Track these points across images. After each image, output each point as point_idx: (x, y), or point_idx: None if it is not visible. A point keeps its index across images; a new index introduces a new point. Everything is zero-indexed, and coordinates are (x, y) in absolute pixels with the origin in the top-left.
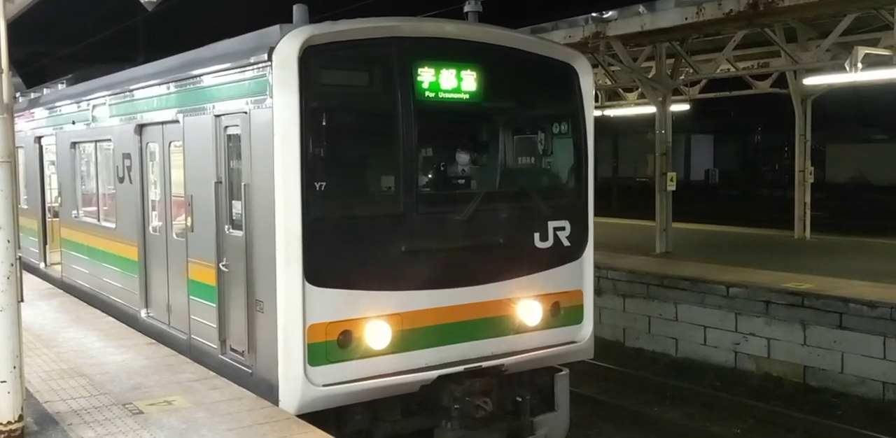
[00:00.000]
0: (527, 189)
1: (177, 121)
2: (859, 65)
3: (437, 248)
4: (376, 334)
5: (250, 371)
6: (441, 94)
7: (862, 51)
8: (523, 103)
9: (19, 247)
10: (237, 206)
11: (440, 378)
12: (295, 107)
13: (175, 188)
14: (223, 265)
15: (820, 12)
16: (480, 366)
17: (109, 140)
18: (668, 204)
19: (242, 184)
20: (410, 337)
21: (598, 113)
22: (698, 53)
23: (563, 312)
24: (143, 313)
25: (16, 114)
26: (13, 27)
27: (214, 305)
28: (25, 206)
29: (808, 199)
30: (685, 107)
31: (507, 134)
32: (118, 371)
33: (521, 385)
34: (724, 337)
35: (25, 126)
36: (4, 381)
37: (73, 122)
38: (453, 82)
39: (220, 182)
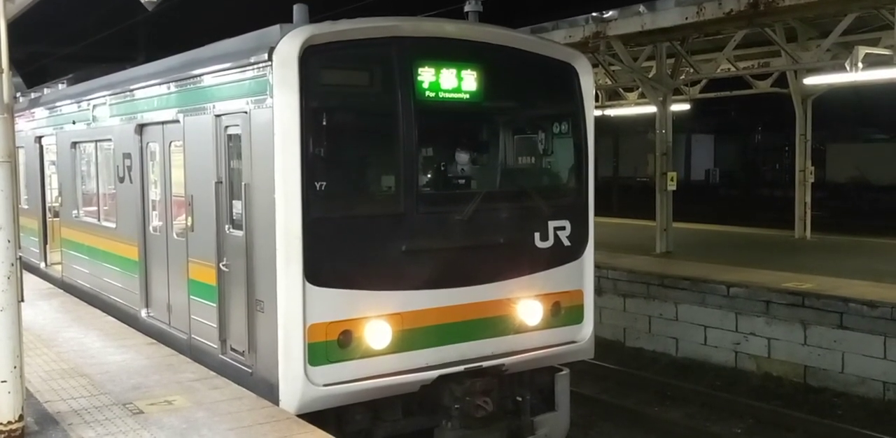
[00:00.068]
0: (527, 189)
1: (177, 121)
2: (860, 64)
3: (438, 248)
4: (376, 334)
5: (250, 370)
6: (441, 94)
7: (862, 50)
8: (524, 103)
9: (20, 247)
10: (237, 206)
11: (440, 377)
12: (295, 107)
13: (175, 188)
14: (223, 265)
15: (820, 12)
16: (481, 366)
17: (110, 140)
18: (669, 203)
19: (243, 183)
20: (411, 336)
21: (598, 112)
22: (699, 53)
23: (563, 312)
24: (143, 313)
25: (16, 114)
26: (14, 27)
27: (215, 305)
28: (26, 206)
29: (808, 199)
30: (685, 106)
31: (508, 133)
32: (118, 371)
33: (522, 385)
34: (725, 336)
35: (26, 126)
36: (5, 381)
37: (74, 122)
38: (453, 82)
39: (221, 182)
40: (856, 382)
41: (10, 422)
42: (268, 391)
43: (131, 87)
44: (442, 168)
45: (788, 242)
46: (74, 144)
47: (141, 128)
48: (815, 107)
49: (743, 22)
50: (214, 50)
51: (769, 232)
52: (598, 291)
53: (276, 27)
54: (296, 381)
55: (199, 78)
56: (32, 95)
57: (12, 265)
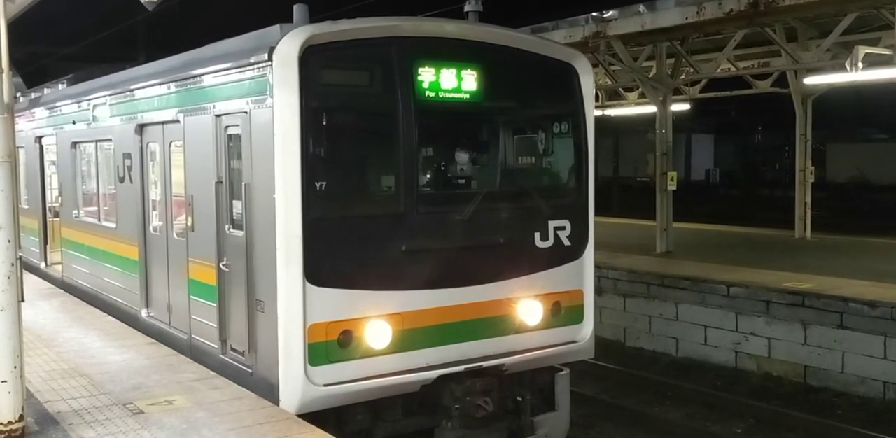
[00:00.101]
0: (527, 188)
1: (177, 121)
2: (860, 64)
3: (438, 248)
4: (377, 334)
5: (251, 370)
6: (441, 94)
7: (862, 50)
8: (524, 103)
9: (20, 247)
10: (238, 206)
11: (441, 377)
12: (295, 107)
13: (175, 188)
14: (224, 265)
15: (820, 12)
16: (481, 366)
17: (110, 140)
18: (669, 203)
19: (243, 183)
20: (411, 336)
21: (598, 112)
22: (699, 53)
23: (563, 312)
24: (143, 313)
25: (16, 114)
26: (14, 27)
27: (215, 305)
28: (26, 206)
29: (808, 199)
30: (686, 106)
31: (508, 133)
32: (119, 371)
33: (522, 385)
34: (725, 336)
35: (26, 126)
36: (5, 381)
37: (74, 122)
38: (454, 82)
39: (221, 182)
40: (856, 382)
41: (10, 422)
42: (268, 391)
43: (131, 87)
44: (442, 168)
45: (789, 242)
46: (75, 144)
47: (141, 128)
48: (815, 106)
49: (743, 22)
50: (214, 50)
51: (769, 232)
52: (599, 291)
53: (277, 27)
54: (296, 381)
55: (199, 78)
56: (33, 95)
57: (12, 265)
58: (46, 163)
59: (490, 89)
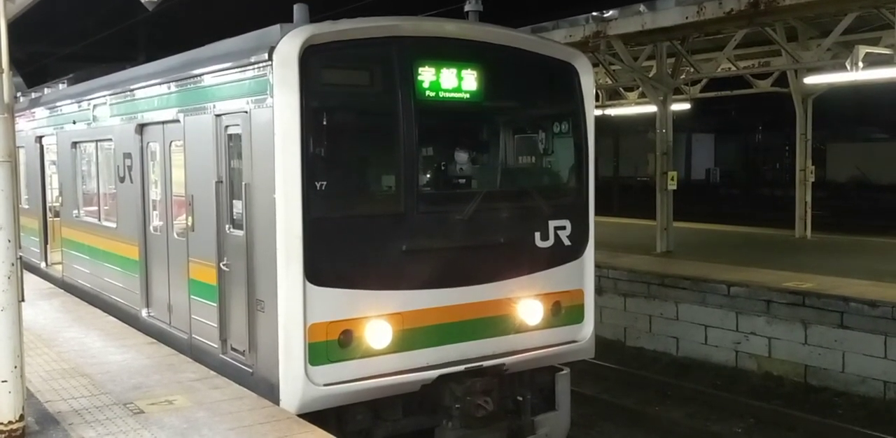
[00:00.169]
0: (527, 188)
1: (177, 121)
2: (860, 64)
3: (438, 248)
4: (377, 333)
5: (251, 370)
6: (442, 94)
7: (863, 50)
8: (524, 102)
9: (20, 247)
10: (238, 206)
11: (441, 377)
12: (295, 107)
13: (176, 187)
14: (224, 264)
15: (821, 11)
16: (481, 366)
17: (110, 139)
18: (669, 203)
19: (243, 183)
20: (411, 336)
21: (598, 112)
22: (699, 52)
23: (563, 311)
24: (143, 312)
25: (17, 114)
26: (14, 27)
27: (215, 305)
28: (26, 206)
29: (808, 198)
30: (686, 106)
31: (508, 133)
32: (119, 371)
33: (522, 385)
34: (725, 336)
35: (26, 125)
36: (5, 381)
37: (74, 122)
38: (454, 81)
39: (221, 181)
40: (856, 381)
41: (10, 422)
42: (268, 390)
43: (132, 87)
44: (442, 167)
45: (789, 242)
46: (75, 144)
47: (141, 127)
48: (815, 106)
49: (743, 21)
50: (215, 50)
51: (770, 232)
52: (599, 291)
53: (277, 27)
54: (296, 381)
55: (199, 78)
56: (33, 95)
57: (13, 265)
58: (47, 163)
59: (490, 89)
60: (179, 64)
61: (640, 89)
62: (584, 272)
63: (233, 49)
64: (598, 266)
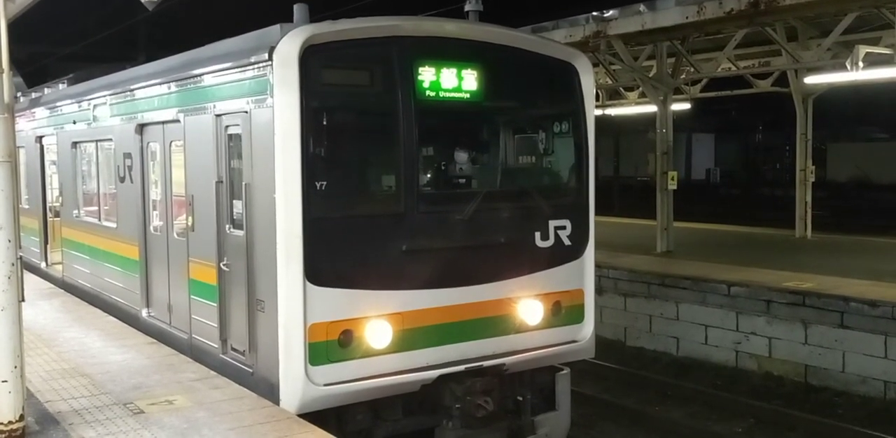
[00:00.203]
0: (528, 188)
1: (178, 121)
2: (860, 63)
3: (438, 247)
4: (377, 333)
5: (251, 370)
6: (442, 94)
7: (863, 49)
8: (524, 102)
9: (20, 247)
10: (238, 206)
11: (441, 377)
12: (296, 107)
13: (176, 187)
14: (224, 264)
15: (821, 11)
16: (481, 366)
17: (110, 139)
18: (669, 203)
19: (243, 183)
20: (411, 336)
21: (598, 112)
22: (699, 52)
23: (563, 311)
24: (144, 312)
25: (17, 114)
26: (14, 27)
27: (215, 305)
28: (26, 206)
29: (809, 198)
30: (686, 106)
31: (508, 133)
32: (119, 371)
33: (522, 385)
34: (726, 336)
35: (26, 125)
36: (5, 381)
37: (74, 122)
38: (454, 81)
39: (221, 181)
40: (857, 381)
41: (10, 422)
42: (268, 390)
43: (132, 87)
44: (442, 167)
45: (789, 241)
46: (75, 144)
47: (141, 127)
48: (815, 106)
49: (743, 21)
50: (215, 49)
51: (770, 232)
52: (599, 290)
53: (277, 27)
54: (296, 381)
55: (199, 77)
56: (33, 95)
57: (13, 265)
58: (47, 163)
59: (490, 89)
60: (179, 64)
61: (641, 89)
62: (584, 272)
63: (233, 49)
64: (598, 266)
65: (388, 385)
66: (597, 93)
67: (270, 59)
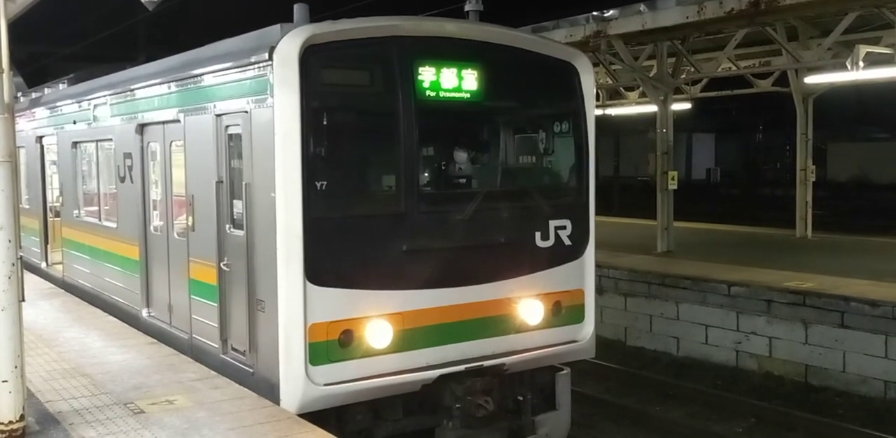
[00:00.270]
0: (528, 188)
1: (178, 121)
2: (861, 63)
3: (438, 247)
4: (377, 333)
5: (251, 370)
6: (442, 93)
7: (863, 49)
8: (524, 102)
9: (20, 247)
10: (238, 206)
11: (441, 377)
12: (296, 107)
13: (176, 187)
14: (224, 264)
15: (821, 11)
16: (482, 365)
17: (111, 139)
18: (670, 203)
19: (243, 183)
20: (411, 336)
21: (599, 112)
22: (699, 52)
23: (564, 311)
24: (144, 312)
25: (17, 114)
26: (14, 27)
27: (216, 304)
28: (27, 206)
29: (809, 198)
30: (686, 105)
31: (508, 133)
32: (119, 371)
33: (523, 385)
34: (726, 335)
35: (27, 125)
36: (6, 381)
37: (75, 122)
38: (454, 81)
39: (222, 181)
40: (857, 381)
41: (11, 422)
42: (269, 390)
43: (132, 87)
44: (442, 167)
45: (789, 241)
46: (75, 144)
47: (142, 127)
48: (816, 105)
49: (744, 21)
50: (215, 49)
51: (770, 232)
52: (599, 290)
53: (277, 27)
54: (297, 381)
55: (199, 77)
56: (33, 95)
57: (13, 265)
58: (47, 163)
59: (491, 89)
60: (180, 64)
61: (641, 89)
62: (584, 272)
63: (233, 49)
64: (598, 265)
65: (388, 385)
66: (597, 92)
67: (271, 58)
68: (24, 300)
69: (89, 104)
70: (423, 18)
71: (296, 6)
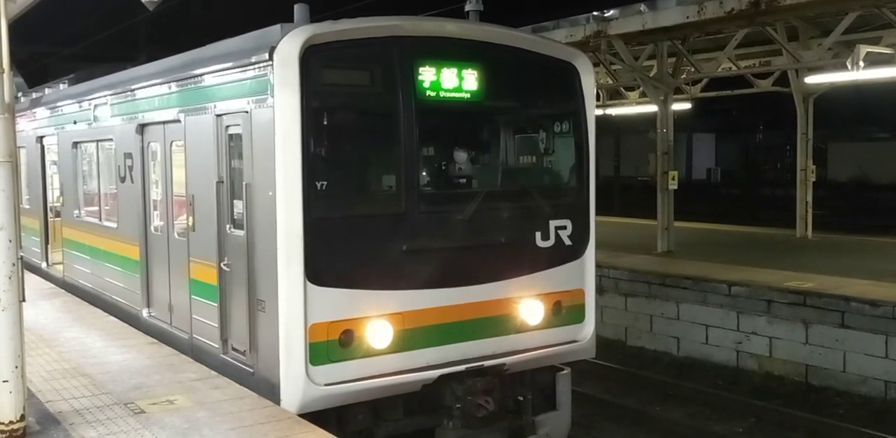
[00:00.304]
0: (528, 188)
1: (178, 121)
2: (861, 63)
3: (439, 247)
4: (378, 333)
5: (252, 370)
6: (442, 93)
7: (864, 49)
8: (524, 102)
9: (21, 247)
10: (238, 206)
11: (442, 377)
12: (296, 107)
13: (176, 187)
14: (225, 264)
15: (821, 11)
16: (482, 365)
17: (111, 139)
18: (670, 203)
19: (244, 183)
20: (412, 336)
21: (599, 112)
22: (700, 52)
23: (564, 311)
24: (144, 312)
25: (18, 114)
26: (15, 27)
27: (216, 305)
28: (27, 206)
29: (809, 198)
30: (687, 105)
31: (509, 133)
32: (120, 371)
33: (523, 385)
34: (726, 335)
35: (27, 126)
36: (6, 381)
37: (75, 122)
38: (454, 81)
39: (222, 181)
40: (857, 381)
41: (11, 422)
42: (269, 390)
43: (132, 87)
44: (443, 167)
45: (790, 241)
46: (76, 144)
47: (142, 127)
48: (816, 105)
49: (744, 21)
50: (215, 49)
51: (771, 232)
52: (600, 290)
53: (277, 27)
54: (297, 381)
55: (199, 77)
56: (34, 95)
57: (14, 265)
58: (48, 163)
59: (491, 89)
60: (180, 64)
61: (641, 89)
62: (584, 272)
63: (233, 49)
64: (598, 265)
65: (388, 385)
66: (597, 92)
67: (271, 58)
68: (24, 300)
69: (90, 104)
70: (423, 18)
71: (296, 6)
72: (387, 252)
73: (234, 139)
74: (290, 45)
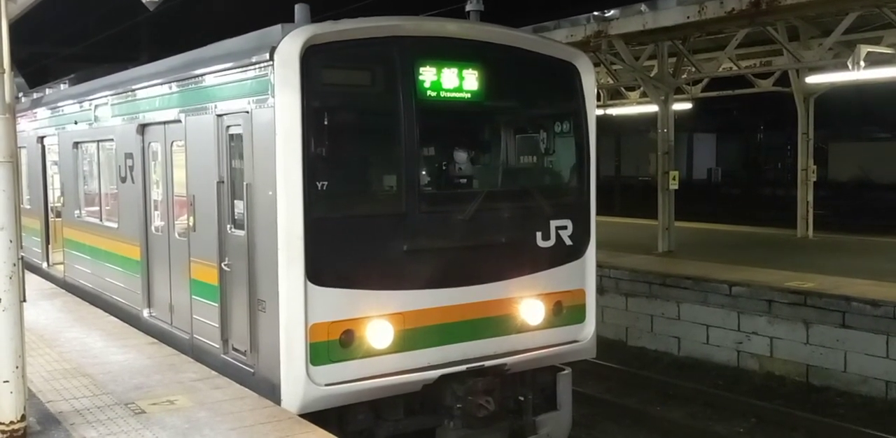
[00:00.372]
0: (529, 188)
1: (179, 121)
2: (862, 63)
3: (439, 247)
4: (378, 333)
5: (252, 370)
6: (443, 93)
7: (864, 49)
8: (525, 102)
9: (22, 247)
10: (239, 206)
11: (442, 377)
12: (297, 107)
13: (177, 188)
14: (225, 264)
15: (822, 10)
16: (483, 365)
17: (112, 140)
18: (671, 203)
19: (244, 183)
20: (413, 336)
21: (600, 112)
22: (700, 52)
23: (565, 311)
24: (145, 313)
25: (18, 114)
26: (15, 27)
27: (217, 305)
28: (28, 206)
29: (810, 198)
30: (687, 105)
31: (509, 133)
32: (120, 371)
33: (524, 385)
34: (727, 335)
35: (28, 126)
36: (7, 381)
37: (76, 122)
38: (455, 81)
39: (223, 181)
40: (858, 381)
41: (12, 422)
42: (270, 390)
43: (133, 87)
44: (443, 167)
45: (791, 241)
46: (76, 144)
47: (143, 128)
48: (817, 105)
49: (745, 21)
50: (216, 50)
51: (771, 232)
52: (601, 290)
53: (278, 27)
54: (298, 381)
55: (200, 78)
56: (34, 95)
57: (14, 265)
58: (48, 163)
59: (491, 89)
60: (181, 64)
61: (642, 89)
62: (585, 272)
63: (234, 49)
64: (599, 265)
65: (389, 385)
66: (598, 92)
67: (272, 59)
68: (25, 300)
69: (90, 104)
70: (424, 18)
71: (297, 6)
72: (387, 252)
73: (235, 139)
74: (290, 45)
